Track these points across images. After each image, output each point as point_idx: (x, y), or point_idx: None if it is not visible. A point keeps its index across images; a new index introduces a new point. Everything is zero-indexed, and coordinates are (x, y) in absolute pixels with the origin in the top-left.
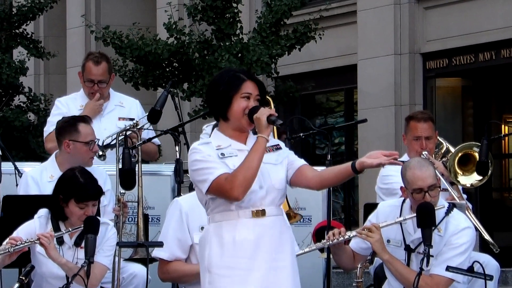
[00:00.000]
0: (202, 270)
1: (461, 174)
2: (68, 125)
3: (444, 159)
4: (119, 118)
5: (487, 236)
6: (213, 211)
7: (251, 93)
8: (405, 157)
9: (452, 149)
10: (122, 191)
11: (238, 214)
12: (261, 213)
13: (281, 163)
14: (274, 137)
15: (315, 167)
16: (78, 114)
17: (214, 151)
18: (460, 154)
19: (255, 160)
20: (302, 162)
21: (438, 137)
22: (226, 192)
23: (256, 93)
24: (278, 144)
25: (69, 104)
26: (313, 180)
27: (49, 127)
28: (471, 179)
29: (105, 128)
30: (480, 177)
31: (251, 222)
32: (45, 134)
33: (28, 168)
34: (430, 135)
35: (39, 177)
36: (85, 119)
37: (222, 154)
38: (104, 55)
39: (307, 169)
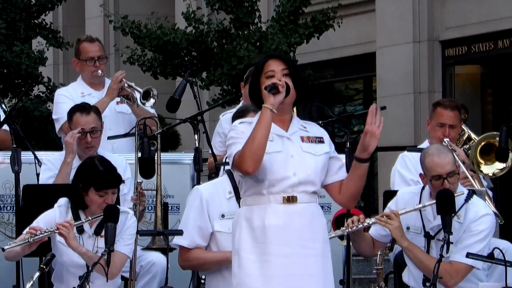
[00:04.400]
0: (233, 252)
1: (484, 163)
2: (68, 114)
3: (465, 146)
4: (117, 103)
5: (492, 208)
6: (245, 194)
7: (274, 70)
8: (425, 144)
9: (474, 136)
10: (140, 180)
11: (269, 199)
12: (292, 199)
13: (321, 156)
14: None
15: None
16: (81, 101)
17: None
18: (482, 144)
19: (258, 131)
20: (341, 175)
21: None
22: (238, 166)
23: (280, 68)
24: (322, 138)
25: (71, 92)
26: (342, 197)
27: (60, 115)
28: (493, 168)
29: (105, 115)
30: (502, 166)
31: (281, 208)
32: (57, 126)
33: (48, 157)
34: (454, 124)
35: (59, 163)
36: (82, 108)
37: None
38: (95, 36)
39: (340, 186)
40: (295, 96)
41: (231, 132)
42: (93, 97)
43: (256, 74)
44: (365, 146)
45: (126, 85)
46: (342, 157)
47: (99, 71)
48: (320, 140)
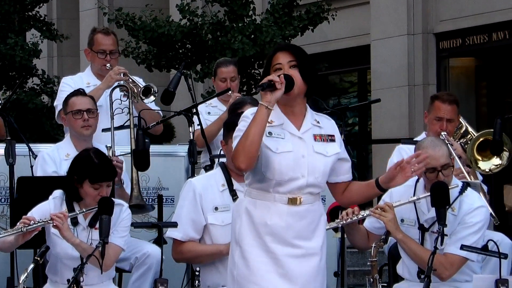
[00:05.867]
0: (232, 241)
1: (481, 160)
2: (64, 102)
3: (462, 140)
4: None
5: (490, 210)
6: (250, 185)
7: (281, 63)
8: (422, 136)
9: (471, 130)
10: (109, 144)
11: (274, 198)
12: (297, 200)
13: (331, 157)
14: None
15: None
16: (86, 91)
17: None
18: (479, 140)
19: (252, 128)
20: (347, 177)
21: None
22: (233, 161)
23: (287, 59)
24: (333, 136)
25: (76, 81)
26: (343, 199)
27: (59, 102)
28: (489, 164)
29: (115, 107)
30: (498, 162)
31: (285, 209)
32: (56, 112)
33: (43, 149)
34: (452, 118)
35: (56, 155)
36: (77, 92)
37: (270, 133)
38: (110, 29)
39: (345, 187)
40: (304, 87)
41: (240, 123)
42: None
43: (266, 67)
44: (391, 178)
45: (130, 80)
46: None
47: (108, 65)
48: (331, 139)
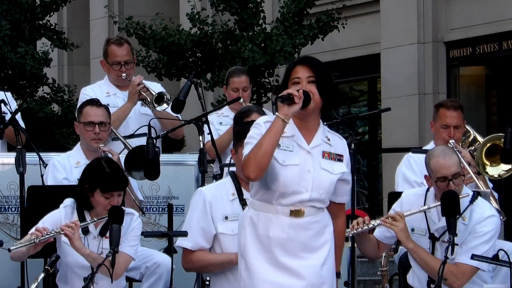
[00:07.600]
0: (239, 255)
1: (489, 165)
2: (78, 108)
3: (471, 148)
4: (142, 104)
5: (495, 204)
6: (254, 197)
7: (300, 77)
8: (431, 145)
9: (479, 138)
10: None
11: (277, 210)
12: (299, 213)
13: (337, 175)
14: None
15: None
16: (106, 101)
17: None
18: (487, 145)
19: (266, 139)
20: (342, 199)
21: (466, 126)
22: (242, 170)
23: (307, 75)
24: (342, 156)
25: (96, 91)
26: (332, 219)
27: None
28: (498, 169)
29: (129, 116)
30: (508, 167)
31: (287, 221)
32: None
33: (53, 158)
34: (458, 124)
35: (66, 162)
36: (92, 101)
37: (278, 144)
38: (124, 37)
39: (336, 209)
40: (321, 103)
41: (252, 130)
42: (118, 97)
43: (284, 79)
44: None
45: (144, 88)
46: None
47: (123, 75)
48: (339, 159)
